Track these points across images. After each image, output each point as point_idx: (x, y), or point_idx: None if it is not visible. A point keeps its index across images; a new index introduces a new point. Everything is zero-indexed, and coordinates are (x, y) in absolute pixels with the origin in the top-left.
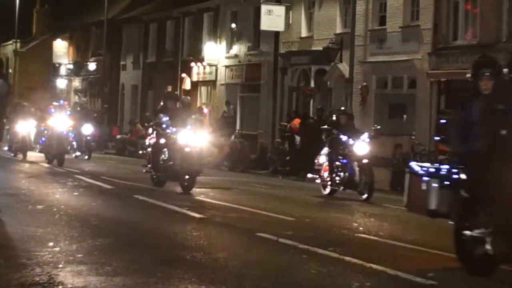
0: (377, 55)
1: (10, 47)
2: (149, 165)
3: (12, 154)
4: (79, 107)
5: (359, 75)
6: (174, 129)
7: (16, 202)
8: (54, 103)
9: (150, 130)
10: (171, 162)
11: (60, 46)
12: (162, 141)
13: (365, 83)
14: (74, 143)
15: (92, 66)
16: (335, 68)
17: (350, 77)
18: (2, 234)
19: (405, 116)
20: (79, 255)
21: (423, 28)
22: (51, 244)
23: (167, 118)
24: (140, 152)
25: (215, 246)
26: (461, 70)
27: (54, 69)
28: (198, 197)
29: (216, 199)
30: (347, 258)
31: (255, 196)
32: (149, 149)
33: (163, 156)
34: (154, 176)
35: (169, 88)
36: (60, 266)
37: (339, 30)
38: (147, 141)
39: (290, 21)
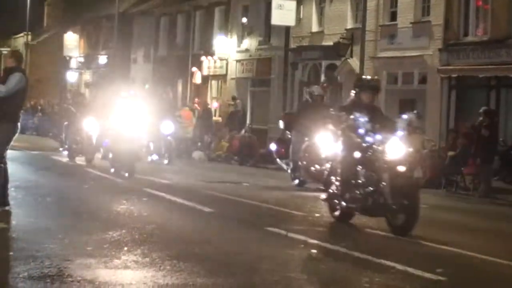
0: (387, 51)
1: (21, 39)
2: (331, 189)
3: (68, 158)
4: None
5: (370, 71)
6: (378, 137)
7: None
8: (123, 94)
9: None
10: (372, 189)
11: (71, 39)
12: (357, 155)
13: (376, 77)
14: (151, 144)
15: (103, 59)
16: (345, 63)
17: (361, 72)
18: (13, 226)
19: (415, 112)
20: (89, 248)
21: (434, 24)
22: (60, 236)
23: (366, 119)
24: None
25: (224, 240)
26: (472, 66)
27: (64, 62)
28: (207, 191)
29: (225, 193)
30: (356, 253)
31: (265, 190)
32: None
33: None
34: (339, 207)
35: (180, 83)
36: (70, 258)
37: (350, 25)
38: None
39: (301, 16)
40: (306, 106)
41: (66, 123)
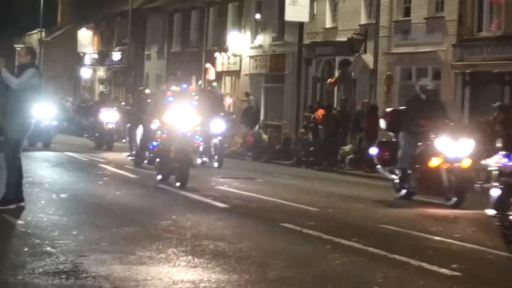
0: (401, 46)
1: (35, 36)
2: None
3: (134, 162)
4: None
5: (383, 66)
6: None
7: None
8: (174, 88)
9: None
10: None
11: (85, 36)
12: None
13: (389, 73)
14: (201, 146)
15: (116, 55)
16: (359, 59)
17: (374, 68)
18: (28, 222)
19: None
20: (103, 244)
21: (448, 20)
22: (75, 232)
23: None
24: None
25: (238, 236)
26: (485, 61)
27: (78, 59)
28: (221, 187)
29: (240, 189)
30: (371, 249)
31: (279, 186)
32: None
33: None
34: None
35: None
36: (84, 254)
37: (363, 21)
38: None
39: (315, 12)
40: (418, 102)
41: (128, 125)
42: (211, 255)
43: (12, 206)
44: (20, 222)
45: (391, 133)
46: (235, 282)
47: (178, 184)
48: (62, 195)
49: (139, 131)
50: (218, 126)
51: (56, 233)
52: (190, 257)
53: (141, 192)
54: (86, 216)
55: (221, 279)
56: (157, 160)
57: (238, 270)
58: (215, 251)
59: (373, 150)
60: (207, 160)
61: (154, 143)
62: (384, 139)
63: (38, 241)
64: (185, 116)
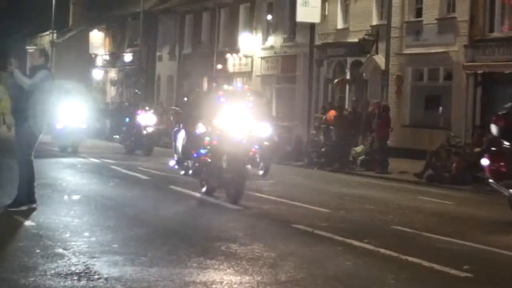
0: (413, 47)
1: (47, 37)
2: None
3: (182, 172)
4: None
5: (395, 67)
6: None
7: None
8: (227, 87)
9: None
10: None
11: (97, 37)
12: None
13: (399, 73)
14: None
15: (128, 57)
16: (371, 60)
17: (386, 69)
18: (40, 224)
19: (440, 108)
20: (115, 245)
21: (460, 20)
22: (86, 234)
23: None
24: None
25: (250, 237)
26: (497, 62)
27: (90, 60)
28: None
29: (251, 190)
30: (382, 250)
31: (290, 187)
32: None
33: None
34: None
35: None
36: (96, 256)
37: (375, 21)
38: None
39: (326, 13)
40: None
41: (176, 129)
42: (222, 256)
43: (24, 208)
44: (32, 223)
45: (505, 141)
46: (247, 283)
47: (230, 200)
48: (74, 197)
49: (181, 136)
50: (265, 130)
51: (68, 235)
52: (201, 259)
53: (152, 193)
54: (98, 217)
55: (233, 280)
56: (203, 170)
57: (250, 271)
58: (226, 253)
59: (484, 161)
60: (250, 167)
61: (202, 151)
62: (494, 148)
63: (50, 242)
64: (239, 120)
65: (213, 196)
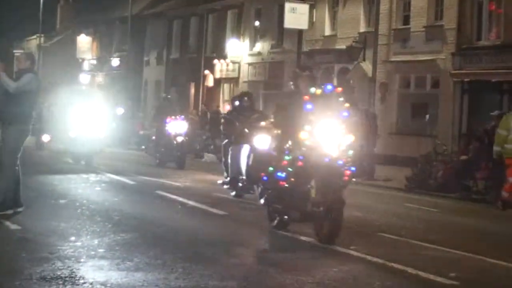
0: (400, 55)
1: (34, 41)
2: None
3: (233, 193)
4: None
5: (382, 74)
6: None
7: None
8: (314, 89)
9: None
10: None
11: (84, 41)
12: None
13: (384, 81)
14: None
15: (115, 61)
16: (358, 67)
17: (373, 76)
18: (26, 228)
19: (427, 116)
20: (101, 250)
21: (447, 28)
22: (73, 238)
23: None
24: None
25: (236, 243)
26: (484, 70)
27: (77, 64)
28: (219, 194)
29: (237, 196)
30: (368, 257)
31: None
32: None
33: None
34: None
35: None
36: (82, 260)
37: (362, 29)
38: None
39: (314, 19)
40: None
41: (225, 141)
42: (208, 261)
43: (10, 212)
44: (18, 227)
45: None
46: None
47: (322, 240)
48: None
49: (245, 151)
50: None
51: (53, 239)
52: (187, 264)
53: (139, 198)
54: (84, 222)
55: (218, 286)
56: (280, 199)
57: (235, 277)
58: (212, 258)
59: None
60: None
61: (280, 174)
62: None
63: (35, 246)
64: (333, 134)
65: (287, 230)
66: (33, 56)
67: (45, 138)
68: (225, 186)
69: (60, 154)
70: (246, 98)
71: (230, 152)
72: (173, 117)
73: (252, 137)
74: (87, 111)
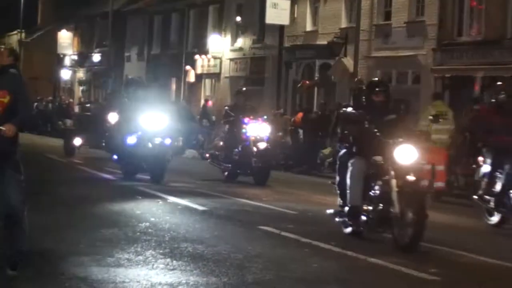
0: (381, 50)
1: (15, 37)
2: None
3: (348, 229)
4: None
5: (364, 70)
6: None
7: None
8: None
9: None
10: None
11: (65, 37)
12: None
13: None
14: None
15: (96, 57)
16: (339, 62)
17: (355, 71)
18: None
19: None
20: (81, 246)
21: (428, 24)
22: (53, 233)
23: None
24: None
25: (217, 239)
26: (465, 66)
27: (58, 60)
28: (200, 190)
29: (218, 192)
30: (349, 252)
31: (257, 189)
32: None
33: None
34: None
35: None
36: (62, 256)
37: (344, 24)
38: None
39: (295, 15)
40: None
41: (343, 151)
42: (189, 257)
43: None
44: None
45: None
46: (213, 284)
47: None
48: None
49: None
50: None
51: (34, 234)
52: (168, 260)
53: (120, 194)
54: (65, 217)
55: (200, 281)
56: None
57: (216, 272)
58: (193, 254)
59: None
60: None
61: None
62: None
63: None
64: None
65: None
66: (17, 52)
67: (77, 141)
68: (337, 219)
69: (110, 165)
70: None
71: (350, 168)
72: (251, 117)
73: (391, 148)
74: (153, 111)
